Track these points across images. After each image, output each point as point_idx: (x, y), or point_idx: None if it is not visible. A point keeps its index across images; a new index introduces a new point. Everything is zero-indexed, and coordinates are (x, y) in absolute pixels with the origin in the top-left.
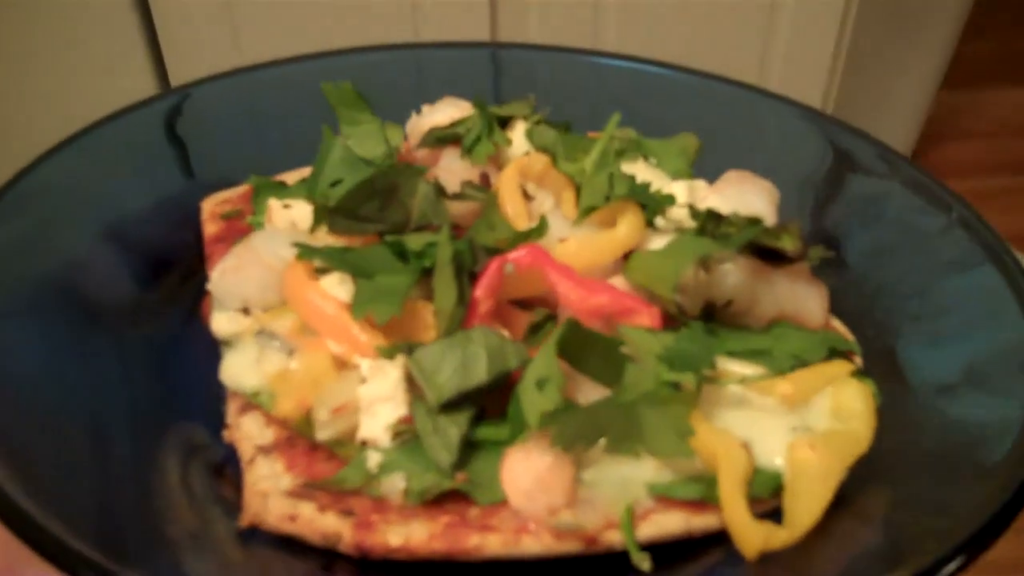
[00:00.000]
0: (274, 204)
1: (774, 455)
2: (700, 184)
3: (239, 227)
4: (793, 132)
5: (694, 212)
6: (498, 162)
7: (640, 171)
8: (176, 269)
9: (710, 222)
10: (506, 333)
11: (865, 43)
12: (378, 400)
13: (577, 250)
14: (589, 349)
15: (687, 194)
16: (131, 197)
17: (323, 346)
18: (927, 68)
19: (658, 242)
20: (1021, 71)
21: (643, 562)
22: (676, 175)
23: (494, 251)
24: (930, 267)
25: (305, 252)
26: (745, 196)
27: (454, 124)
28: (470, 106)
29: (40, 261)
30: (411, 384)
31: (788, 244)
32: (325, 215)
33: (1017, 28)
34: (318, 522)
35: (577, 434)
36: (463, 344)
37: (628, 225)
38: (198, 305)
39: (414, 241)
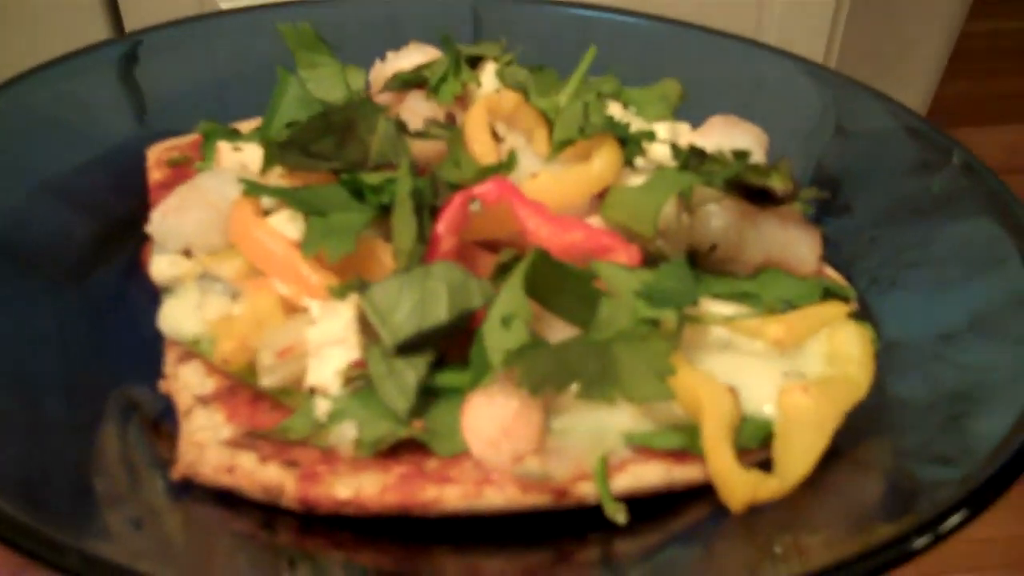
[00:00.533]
0: (223, 147)
1: (763, 402)
2: (683, 127)
3: (187, 173)
4: (790, 84)
5: (676, 150)
6: (466, 103)
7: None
8: (120, 220)
9: (693, 159)
10: None
11: None
12: (328, 343)
13: (549, 186)
14: (559, 284)
15: (669, 134)
16: (77, 146)
17: (270, 287)
18: (909, 106)
19: (637, 181)
20: (995, 112)
21: (618, 514)
22: (657, 119)
23: (458, 187)
24: (930, 214)
25: (252, 188)
26: (732, 139)
27: (420, 68)
28: (438, 52)
29: None
30: (364, 325)
31: (777, 183)
32: (276, 152)
33: (989, 71)
34: (259, 474)
35: (546, 375)
36: (422, 280)
37: (604, 160)
38: (139, 255)
39: (371, 178)
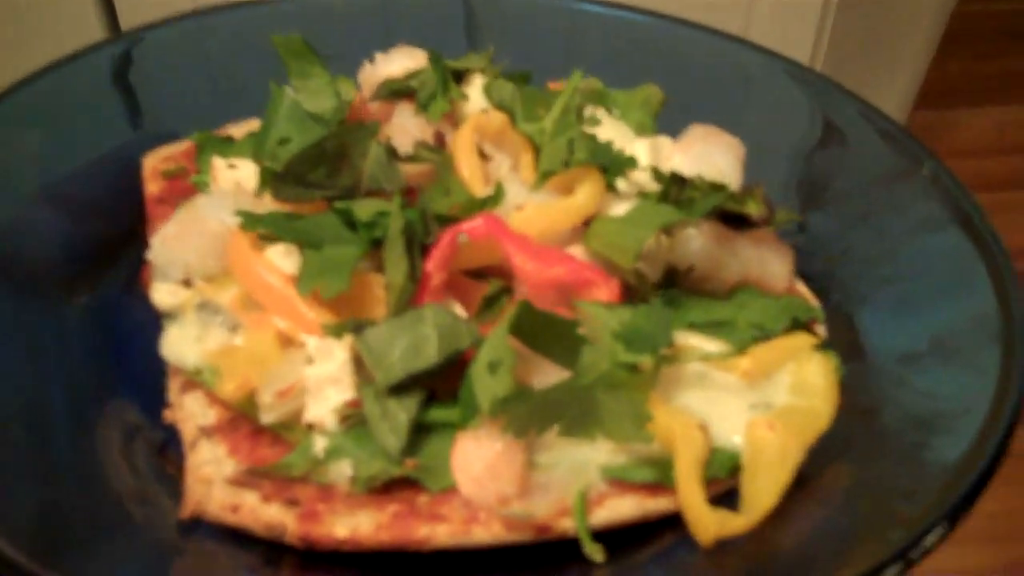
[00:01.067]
0: (219, 164)
1: (732, 434)
2: (664, 141)
3: (182, 186)
4: (773, 86)
5: (657, 175)
6: (454, 119)
7: (603, 124)
8: (117, 230)
9: (673, 186)
10: (459, 308)
11: (839, 65)
12: (325, 382)
13: (534, 218)
14: (544, 330)
15: (650, 154)
16: (73, 153)
17: (268, 322)
18: (902, 87)
19: (620, 207)
20: (987, 92)
21: (596, 554)
22: (639, 128)
23: (448, 219)
24: (901, 228)
25: (249, 221)
26: (710, 154)
27: (408, 76)
28: (425, 55)
29: None
30: (359, 365)
31: (753, 209)
32: (271, 181)
33: (981, 52)
34: (261, 512)
35: (530, 420)
36: (413, 324)
37: (587, 192)
38: (139, 271)
39: (364, 209)
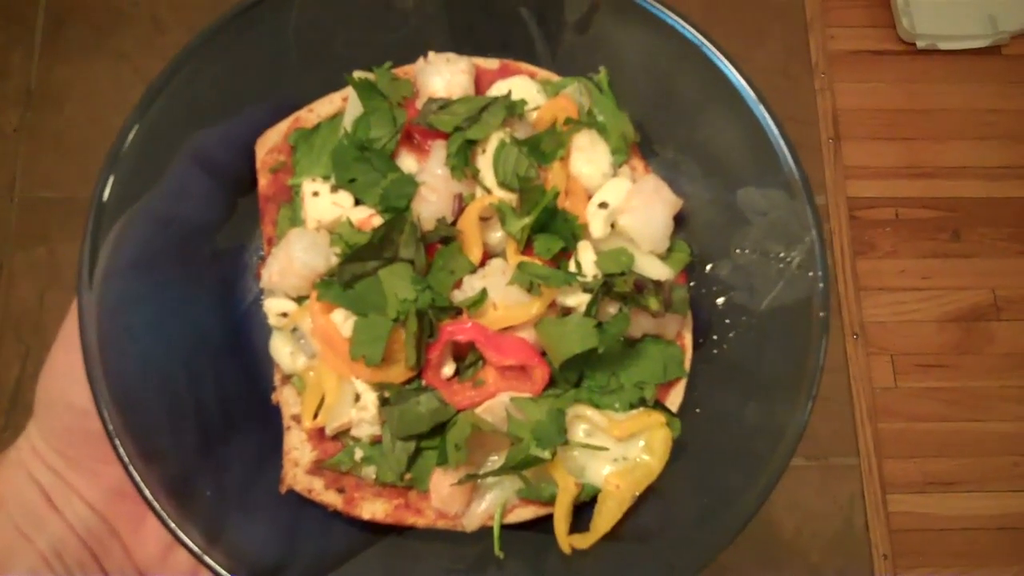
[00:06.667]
0: (306, 189)
1: (598, 478)
2: (622, 185)
3: (283, 186)
4: None
5: (592, 290)
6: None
7: (584, 151)
8: (245, 197)
9: (603, 286)
10: (447, 372)
11: None
12: (363, 422)
13: (504, 317)
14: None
15: (603, 225)
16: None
17: (332, 362)
18: None
19: (570, 295)
20: None
21: (499, 552)
22: (615, 151)
23: (447, 307)
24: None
25: (324, 294)
26: (651, 211)
27: (442, 108)
28: (465, 67)
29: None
30: (383, 415)
31: (652, 305)
32: (325, 292)
33: None
34: (324, 495)
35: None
36: (414, 406)
37: (541, 305)
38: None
39: (395, 286)
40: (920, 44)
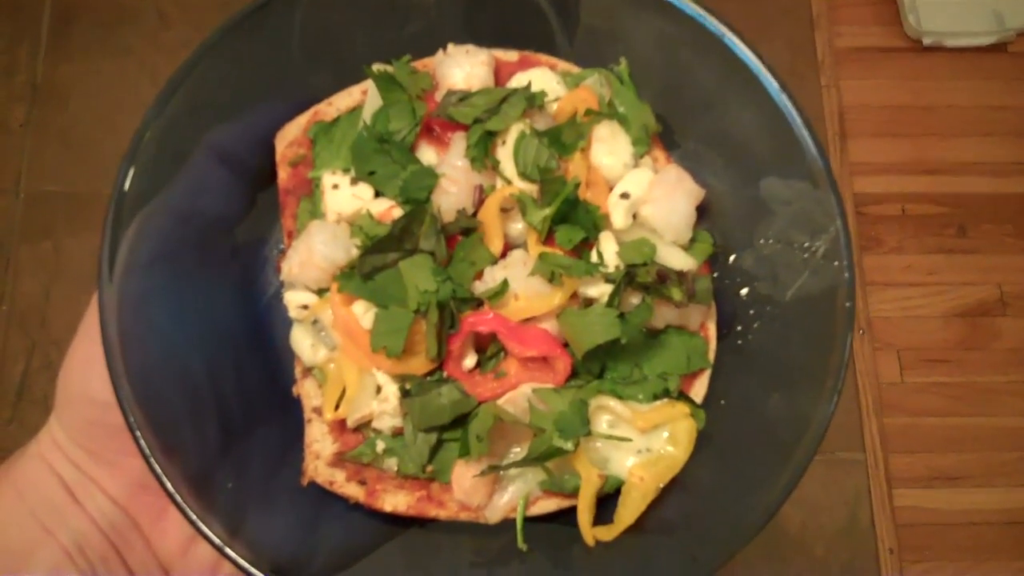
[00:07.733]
0: (326, 182)
1: (622, 470)
2: (644, 176)
3: (303, 179)
4: None
5: (614, 281)
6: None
7: (606, 142)
8: (265, 191)
9: (626, 276)
10: (469, 363)
11: None
12: (384, 413)
13: (525, 308)
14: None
15: (625, 216)
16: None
17: (353, 354)
18: None
19: (592, 286)
20: None
21: (522, 544)
22: (637, 141)
23: (469, 299)
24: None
25: (344, 286)
26: (673, 201)
27: (462, 99)
28: (484, 59)
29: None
30: (404, 407)
31: (675, 295)
32: (346, 283)
33: None
34: (346, 488)
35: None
36: (436, 397)
37: (563, 295)
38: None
39: (416, 278)
40: (926, 41)
